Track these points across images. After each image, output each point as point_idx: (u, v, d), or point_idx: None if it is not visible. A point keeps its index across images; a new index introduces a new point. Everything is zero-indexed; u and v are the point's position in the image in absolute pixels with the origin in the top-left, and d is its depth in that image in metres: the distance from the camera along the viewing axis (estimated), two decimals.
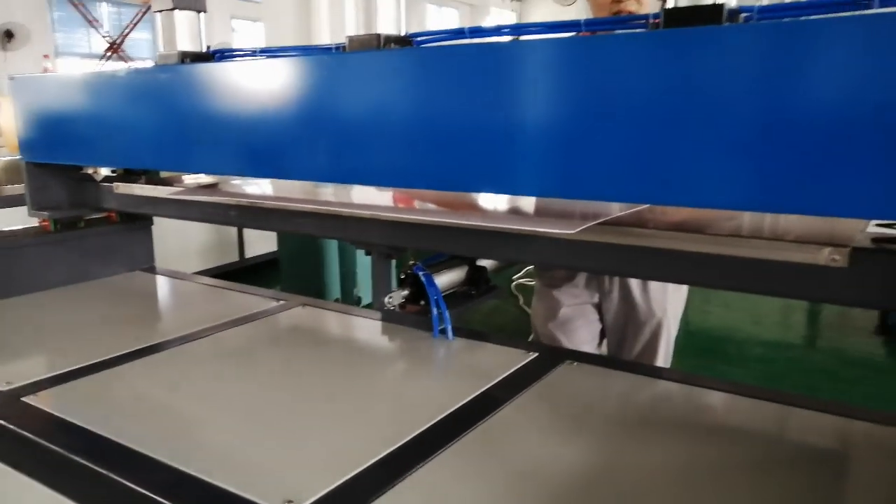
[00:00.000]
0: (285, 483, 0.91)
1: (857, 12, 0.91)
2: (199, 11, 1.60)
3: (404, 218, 1.38)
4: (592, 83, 1.04)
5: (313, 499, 0.88)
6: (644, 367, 1.57)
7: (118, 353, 1.38)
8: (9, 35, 11.64)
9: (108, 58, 13.06)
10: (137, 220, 2.01)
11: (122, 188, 1.81)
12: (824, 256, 0.94)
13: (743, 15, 1.05)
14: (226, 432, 1.08)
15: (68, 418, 1.11)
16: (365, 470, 0.94)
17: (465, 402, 1.14)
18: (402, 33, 1.39)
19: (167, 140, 1.58)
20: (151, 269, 2.08)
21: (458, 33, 1.40)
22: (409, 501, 0.88)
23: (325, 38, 3.98)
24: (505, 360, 1.32)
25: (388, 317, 1.53)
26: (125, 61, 12.94)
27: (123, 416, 1.13)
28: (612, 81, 1.02)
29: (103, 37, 12.98)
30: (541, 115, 1.08)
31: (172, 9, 1.56)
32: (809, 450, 1.04)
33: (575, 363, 1.34)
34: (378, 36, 1.34)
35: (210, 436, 1.08)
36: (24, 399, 1.18)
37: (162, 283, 2.00)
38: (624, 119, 1.01)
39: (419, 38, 1.41)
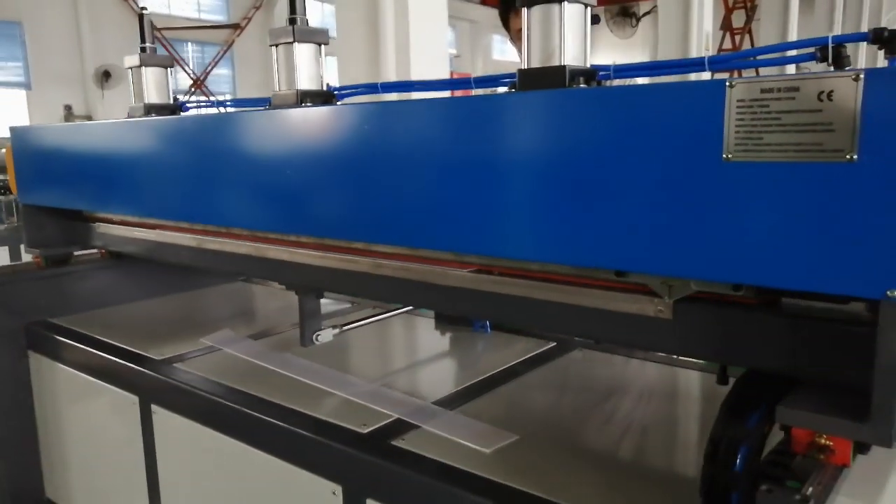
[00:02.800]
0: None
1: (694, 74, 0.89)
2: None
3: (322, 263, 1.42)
4: (455, 140, 1.05)
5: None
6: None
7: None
8: (107, 75, 12.73)
9: (193, 92, 13.99)
10: (124, 257, 2.15)
11: (103, 228, 1.95)
12: (653, 308, 0.91)
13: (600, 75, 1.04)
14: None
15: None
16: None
17: (494, 371, 1.59)
18: (324, 88, 1.44)
19: (133, 187, 1.70)
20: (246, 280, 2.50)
21: (373, 88, 1.45)
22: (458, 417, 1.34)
23: (391, 66, 4.01)
24: (526, 347, 1.74)
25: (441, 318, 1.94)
26: (207, 96, 13.83)
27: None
28: (476, 139, 1.02)
29: (188, 74, 13.91)
30: (419, 170, 1.10)
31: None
32: None
33: (582, 350, 1.73)
34: (297, 92, 1.40)
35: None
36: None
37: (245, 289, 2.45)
38: (493, 173, 1.01)
39: (341, 93, 1.46)
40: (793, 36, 12.30)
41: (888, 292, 0.68)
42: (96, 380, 1.80)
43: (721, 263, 0.79)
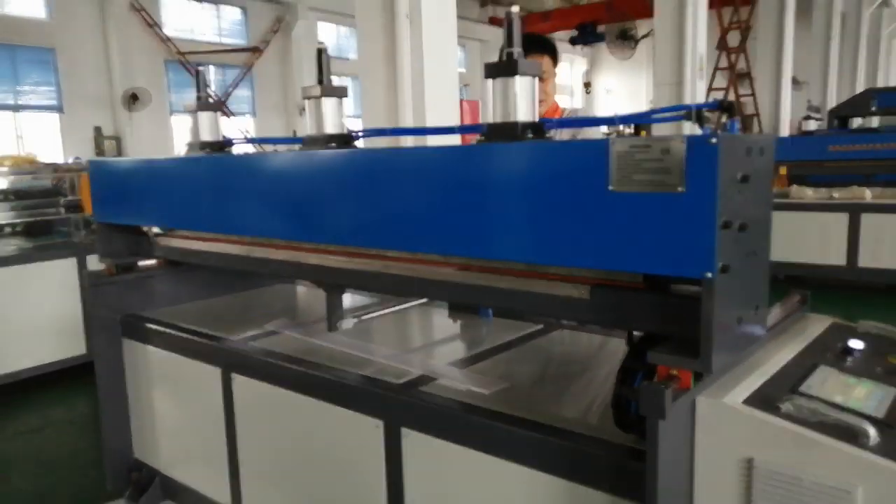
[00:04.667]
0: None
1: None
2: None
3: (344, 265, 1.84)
4: (436, 177, 1.46)
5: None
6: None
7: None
8: (134, 98, 13.36)
9: None
10: (181, 265, 2.59)
11: (164, 241, 2.39)
12: (577, 292, 1.32)
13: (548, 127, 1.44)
14: None
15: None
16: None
17: (493, 345, 2.04)
18: (345, 131, 1.86)
19: (191, 208, 2.14)
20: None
21: (383, 132, 1.87)
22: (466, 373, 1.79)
23: (407, 87, 4.30)
24: (519, 328, 2.18)
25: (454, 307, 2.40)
26: (227, 115, 14.42)
27: None
28: (456, 178, 1.43)
29: (210, 96, 14.51)
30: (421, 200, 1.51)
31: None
32: None
33: (562, 331, 2.17)
34: (325, 136, 1.82)
35: None
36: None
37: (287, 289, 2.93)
38: (468, 201, 1.42)
39: (357, 135, 1.88)
40: (788, 53, 12.61)
41: (704, 274, 1.08)
42: (185, 357, 2.27)
43: (611, 256, 1.19)
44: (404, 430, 1.62)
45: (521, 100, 1.42)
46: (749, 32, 13.20)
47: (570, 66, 24.42)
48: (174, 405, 2.47)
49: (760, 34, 12.83)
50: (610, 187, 1.17)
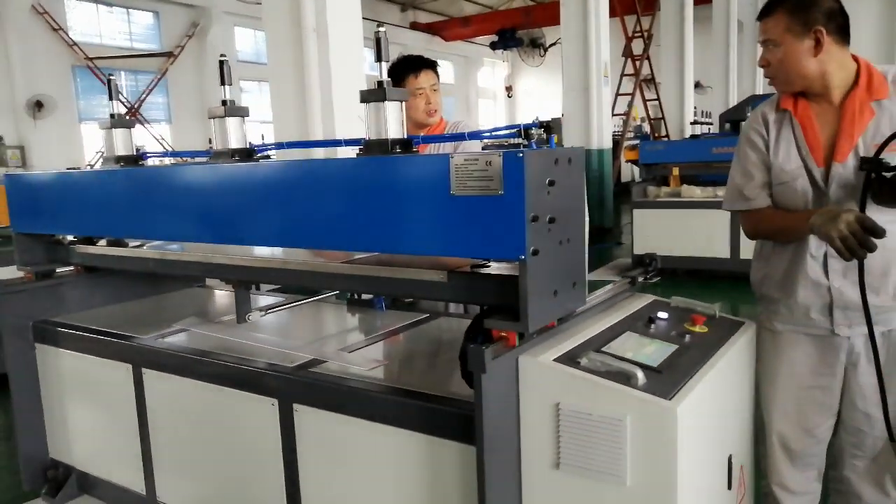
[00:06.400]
0: None
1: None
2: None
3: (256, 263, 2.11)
4: (321, 184, 1.76)
5: None
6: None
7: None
8: (38, 105, 12.84)
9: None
10: (95, 271, 2.75)
11: (81, 249, 2.56)
12: (438, 276, 1.65)
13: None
14: None
15: None
16: None
17: (382, 332, 2.36)
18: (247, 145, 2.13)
19: (109, 216, 2.33)
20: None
21: (280, 146, 2.15)
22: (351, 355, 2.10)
23: (316, 97, 4.44)
24: (407, 318, 2.51)
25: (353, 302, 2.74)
26: (142, 123, 14.10)
27: None
28: (339, 187, 1.73)
29: (122, 103, 14.13)
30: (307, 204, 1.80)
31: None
32: None
33: (445, 318, 2.54)
34: (230, 150, 2.08)
35: None
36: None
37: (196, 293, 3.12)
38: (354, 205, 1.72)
39: (259, 149, 2.15)
40: (689, 60, 13.61)
41: (519, 256, 1.43)
42: (97, 357, 2.45)
43: (455, 245, 1.53)
44: (296, 406, 1.91)
45: (391, 120, 1.74)
46: (652, 40, 14.12)
47: (493, 71, 25.19)
48: (88, 404, 2.62)
49: (663, 42, 13.76)
50: (451, 192, 1.50)
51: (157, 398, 2.31)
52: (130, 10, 14.72)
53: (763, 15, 1.79)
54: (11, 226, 2.60)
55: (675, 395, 1.42)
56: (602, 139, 10.26)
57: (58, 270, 2.72)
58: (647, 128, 14.40)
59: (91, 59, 13.57)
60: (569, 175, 1.56)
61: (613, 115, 12.12)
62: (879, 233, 1.53)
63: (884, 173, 1.56)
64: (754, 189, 1.90)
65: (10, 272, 2.71)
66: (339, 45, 4.31)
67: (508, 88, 24.23)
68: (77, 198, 2.41)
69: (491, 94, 25.60)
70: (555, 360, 1.51)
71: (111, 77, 2.59)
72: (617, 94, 12.84)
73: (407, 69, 2.74)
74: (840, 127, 1.76)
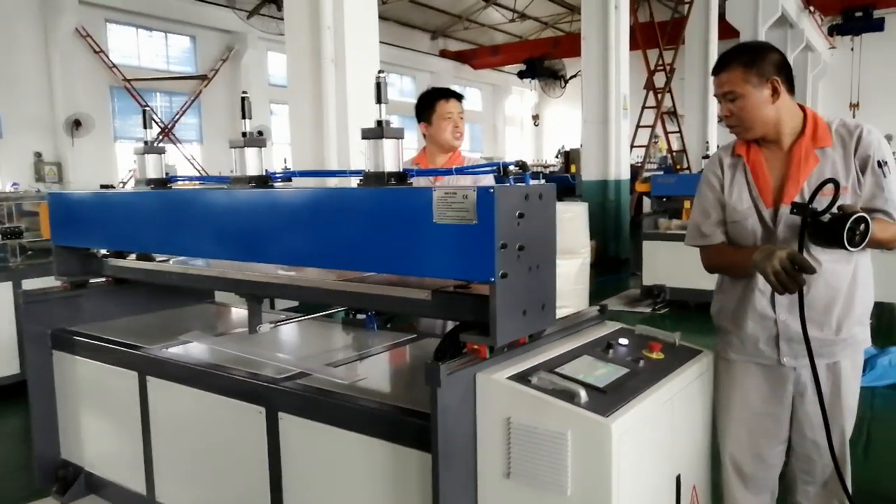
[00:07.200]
0: None
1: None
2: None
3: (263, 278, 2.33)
4: (323, 210, 1.98)
5: None
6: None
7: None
8: (77, 124, 13.42)
9: (160, 140, 14.75)
10: (117, 284, 3.01)
11: (113, 262, 2.83)
12: (424, 294, 1.85)
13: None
14: None
15: None
16: None
17: (369, 350, 2.56)
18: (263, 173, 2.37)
19: (139, 233, 2.59)
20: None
21: (292, 174, 2.39)
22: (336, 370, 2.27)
23: (332, 114, 4.60)
24: (395, 337, 2.70)
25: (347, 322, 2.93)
26: (174, 143, 14.64)
27: None
28: (336, 209, 1.96)
29: (157, 124, 14.68)
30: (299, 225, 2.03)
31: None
32: None
33: (429, 339, 2.65)
34: (247, 177, 2.32)
35: None
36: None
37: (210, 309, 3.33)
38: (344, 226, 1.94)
39: (274, 176, 2.39)
40: (711, 92, 13.74)
41: (489, 279, 1.63)
42: (107, 364, 2.67)
43: (436, 268, 1.73)
44: (280, 414, 2.11)
45: (388, 155, 1.96)
46: (674, 74, 14.29)
47: (520, 99, 25.59)
48: (98, 408, 2.84)
49: (687, 75, 13.91)
50: (434, 220, 1.71)
51: (159, 404, 2.52)
52: (169, 35, 15.37)
53: (719, 70, 1.98)
54: (52, 238, 2.87)
55: (613, 413, 1.57)
56: (620, 170, 10.41)
57: (71, 282, 2.95)
58: (670, 160, 14.53)
59: (129, 80, 14.17)
60: (541, 208, 1.76)
61: (633, 146, 12.28)
62: (808, 269, 1.70)
63: (817, 217, 1.73)
64: (711, 226, 2.08)
65: (30, 283, 2.95)
66: (355, 76, 4.52)
67: (535, 117, 24.58)
68: (111, 215, 2.67)
69: (518, 122, 25.96)
70: (508, 377, 1.68)
71: (146, 108, 2.87)
72: (638, 126, 12.99)
73: (439, 95, 3.14)
74: (787, 172, 1.94)
